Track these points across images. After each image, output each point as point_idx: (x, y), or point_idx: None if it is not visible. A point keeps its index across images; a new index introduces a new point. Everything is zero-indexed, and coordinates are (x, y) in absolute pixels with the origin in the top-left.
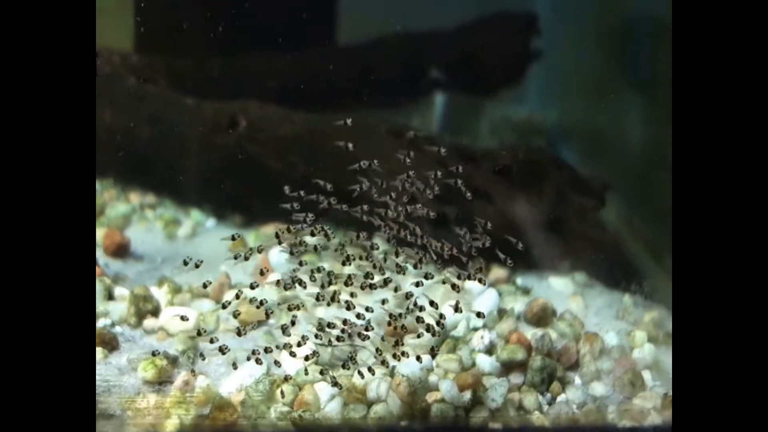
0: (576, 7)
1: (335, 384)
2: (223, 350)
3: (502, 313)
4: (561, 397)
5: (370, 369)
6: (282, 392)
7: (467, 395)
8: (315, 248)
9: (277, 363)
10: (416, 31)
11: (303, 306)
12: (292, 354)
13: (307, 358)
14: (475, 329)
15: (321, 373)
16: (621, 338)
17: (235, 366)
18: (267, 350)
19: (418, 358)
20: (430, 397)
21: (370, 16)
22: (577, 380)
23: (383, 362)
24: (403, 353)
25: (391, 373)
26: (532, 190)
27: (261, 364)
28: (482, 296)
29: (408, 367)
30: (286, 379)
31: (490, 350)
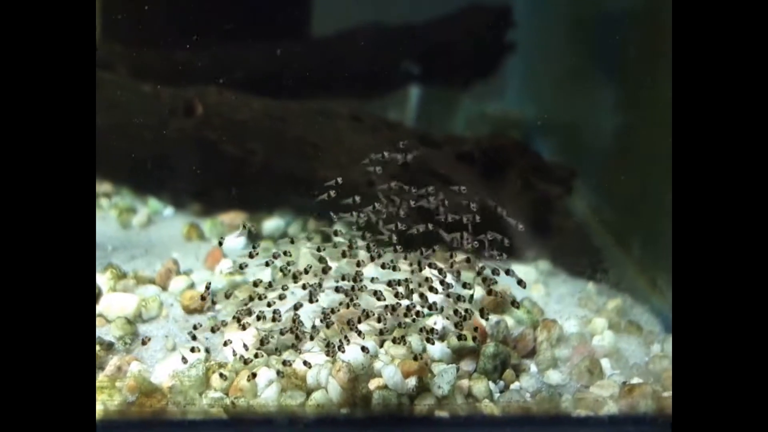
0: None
1: (279, 372)
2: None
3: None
4: (514, 385)
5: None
6: (222, 376)
7: (412, 382)
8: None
9: (208, 350)
10: (389, 22)
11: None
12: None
13: (262, 343)
14: (429, 315)
15: (256, 356)
16: (580, 325)
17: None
18: (214, 330)
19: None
20: (373, 383)
21: (343, 8)
22: (533, 368)
23: (327, 348)
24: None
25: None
26: (495, 177)
27: (198, 352)
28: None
29: (349, 352)
30: (221, 365)
31: (442, 336)
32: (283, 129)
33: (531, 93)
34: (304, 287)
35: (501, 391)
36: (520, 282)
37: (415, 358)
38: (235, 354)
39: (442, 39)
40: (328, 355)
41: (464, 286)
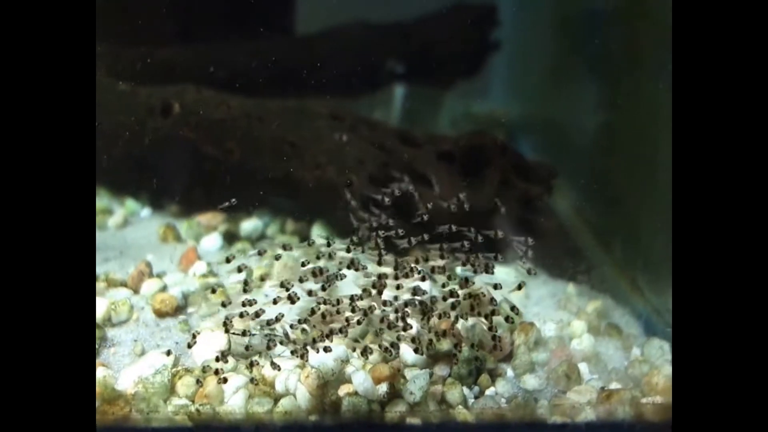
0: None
1: (253, 380)
2: None
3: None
4: (490, 391)
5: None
6: (198, 381)
7: (383, 388)
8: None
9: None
10: (373, 21)
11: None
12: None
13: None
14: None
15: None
16: (559, 328)
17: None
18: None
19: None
20: (342, 390)
21: (327, 6)
22: (510, 372)
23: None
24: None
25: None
26: (475, 176)
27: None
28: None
29: (318, 357)
30: (188, 370)
31: (415, 340)
32: (261, 128)
33: (517, 91)
34: (283, 286)
35: (476, 397)
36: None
37: (386, 360)
38: (218, 360)
39: (428, 37)
40: (302, 356)
41: (443, 286)
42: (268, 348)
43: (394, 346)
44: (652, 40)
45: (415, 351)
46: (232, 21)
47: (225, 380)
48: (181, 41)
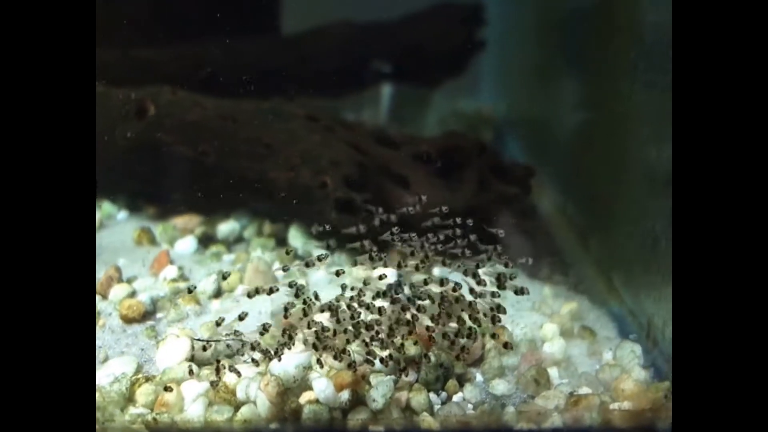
0: None
1: (213, 383)
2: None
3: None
4: (457, 397)
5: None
6: (167, 388)
7: (345, 395)
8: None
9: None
10: (359, 20)
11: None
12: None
13: (204, 348)
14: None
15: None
16: (531, 331)
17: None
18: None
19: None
20: (304, 397)
21: (313, 5)
22: (479, 377)
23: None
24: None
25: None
26: (452, 176)
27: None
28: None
29: (280, 364)
30: (147, 379)
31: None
32: (236, 129)
33: (504, 90)
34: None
35: (443, 403)
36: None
37: (350, 366)
38: (191, 373)
39: (414, 36)
40: (275, 357)
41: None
42: (235, 354)
43: (370, 357)
44: (624, 40)
45: (382, 362)
46: (214, 20)
47: (170, 389)
48: (161, 41)
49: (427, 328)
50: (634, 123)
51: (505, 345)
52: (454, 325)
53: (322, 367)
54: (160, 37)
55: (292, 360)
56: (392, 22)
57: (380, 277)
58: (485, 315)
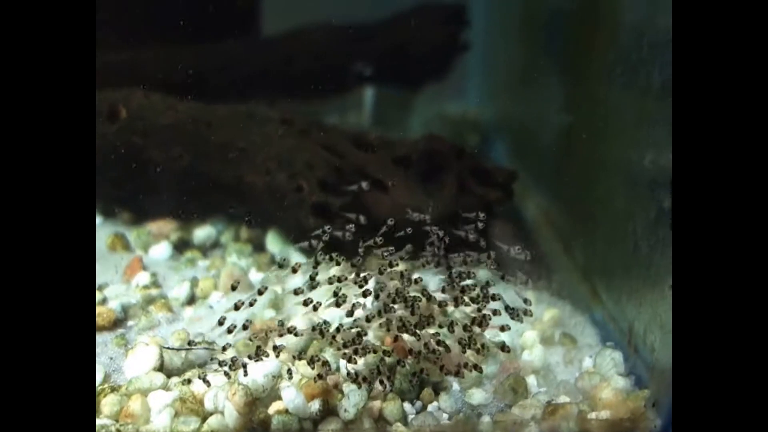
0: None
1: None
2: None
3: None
4: (432, 406)
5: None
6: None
7: (316, 405)
8: None
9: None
10: (340, 22)
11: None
12: None
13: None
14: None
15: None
16: (512, 339)
17: None
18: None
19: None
20: (273, 408)
21: (294, 7)
22: (456, 386)
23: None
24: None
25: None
26: (432, 181)
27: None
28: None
29: (250, 374)
30: (113, 389)
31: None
32: (209, 133)
33: (490, 93)
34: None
35: (417, 412)
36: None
37: (320, 377)
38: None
39: (397, 39)
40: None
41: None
42: (207, 363)
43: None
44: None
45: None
46: (194, 22)
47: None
48: (137, 43)
49: (398, 339)
50: (616, 126)
51: (475, 367)
52: (432, 331)
53: (291, 377)
54: (136, 39)
55: (262, 369)
56: (374, 23)
57: (359, 285)
58: (466, 327)
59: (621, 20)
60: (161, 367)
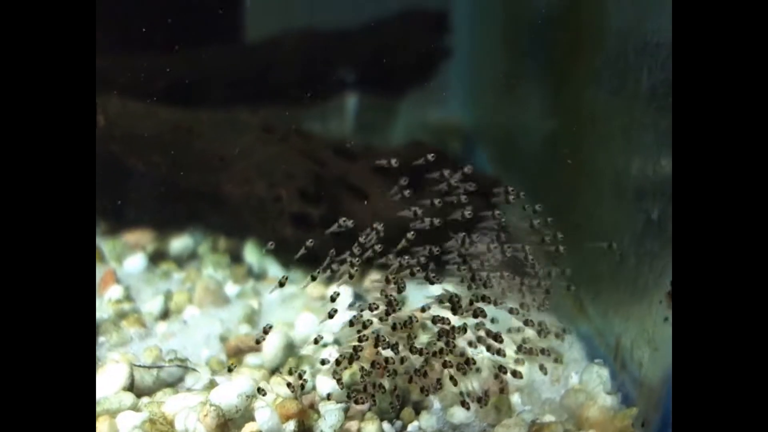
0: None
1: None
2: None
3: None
4: (412, 426)
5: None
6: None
7: (291, 426)
8: None
9: None
10: (321, 28)
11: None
12: None
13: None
14: (324, 345)
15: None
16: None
17: None
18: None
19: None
20: (246, 429)
21: (275, 14)
22: (436, 405)
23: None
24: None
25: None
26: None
27: None
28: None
29: (220, 394)
30: None
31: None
32: (189, 141)
33: (472, 100)
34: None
35: None
36: None
37: (289, 385)
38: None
39: (379, 45)
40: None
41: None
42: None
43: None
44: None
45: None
46: (173, 29)
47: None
48: (117, 50)
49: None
50: (602, 133)
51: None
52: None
53: (264, 395)
54: (117, 46)
55: (234, 388)
56: (356, 30)
57: (332, 298)
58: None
59: (607, 25)
60: (131, 386)
